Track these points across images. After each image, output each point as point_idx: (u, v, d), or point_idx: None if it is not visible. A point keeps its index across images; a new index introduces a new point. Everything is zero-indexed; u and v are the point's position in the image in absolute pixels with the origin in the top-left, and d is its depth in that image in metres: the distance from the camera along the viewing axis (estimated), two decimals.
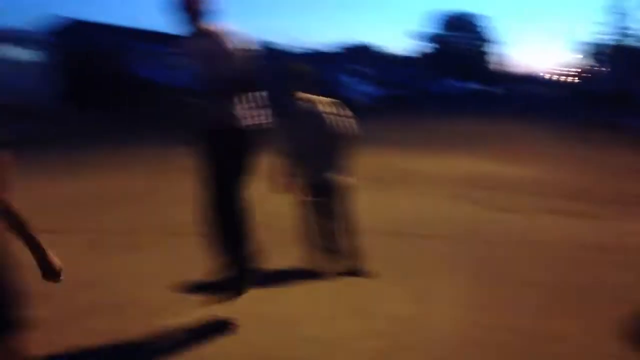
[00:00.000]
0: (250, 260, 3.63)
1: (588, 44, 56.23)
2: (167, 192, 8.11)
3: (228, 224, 3.53)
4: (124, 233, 5.88)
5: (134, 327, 3.62)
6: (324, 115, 4.50)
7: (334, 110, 4.54)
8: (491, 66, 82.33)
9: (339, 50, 57.50)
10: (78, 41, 29.53)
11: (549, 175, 9.48)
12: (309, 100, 4.51)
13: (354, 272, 4.56)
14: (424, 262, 4.93)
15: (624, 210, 6.87)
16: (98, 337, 3.48)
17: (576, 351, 3.31)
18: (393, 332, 3.53)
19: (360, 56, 53.93)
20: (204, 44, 3.43)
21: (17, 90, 21.67)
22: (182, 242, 5.51)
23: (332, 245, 4.71)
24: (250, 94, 3.50)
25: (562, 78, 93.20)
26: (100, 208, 7.04)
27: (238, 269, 3.61)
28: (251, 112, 3.49)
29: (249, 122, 3.46)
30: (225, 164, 3.48)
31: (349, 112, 4.59)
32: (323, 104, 4.54)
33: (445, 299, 4.08)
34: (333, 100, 4.60)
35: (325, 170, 4.56)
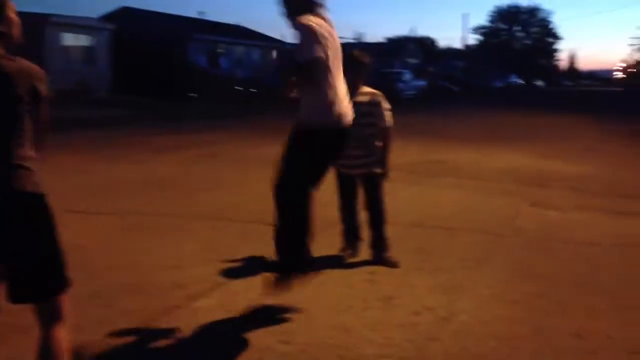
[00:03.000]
0: (300, 254, 3.51)
1: None
2: (202, 178, 8.26)
3: (286, 211, 3.41)
4: (160, 215, 6.02)
5: (168, 308, 3.72)
6: (372, 108, 4.50)
7: (377, 101, 4.54)
8: (546, 61, 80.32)
9: (387, 41, 57.27)
10: (133, 28, 30.12)
11: (596, 172, 9.17)
12: (364, 93, 4.53)
13: (384, 263, 4.55)
14: (454, 254, 4.86)
15: None
16: (133, 317, 3.58)
17: (598, 348, 3.23)
18: (422, 323, 3.51)
19: (409, 48, 53.43)
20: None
21: (72, 75, 22.31)
22: (217, 226, 5.61)
23: (360, 234, 4.74)
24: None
25: (622, 74, 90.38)
26: (136, 192, 7.24)
27: (287, 257, 3.52)
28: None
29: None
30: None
31: (388, 105, 4.57)
32: (369, 95, 4.54)
33: (473, 293, 4.03)
34: (376, 91, 4.61)
35: (361, 160, 4.55)
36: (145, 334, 3.35)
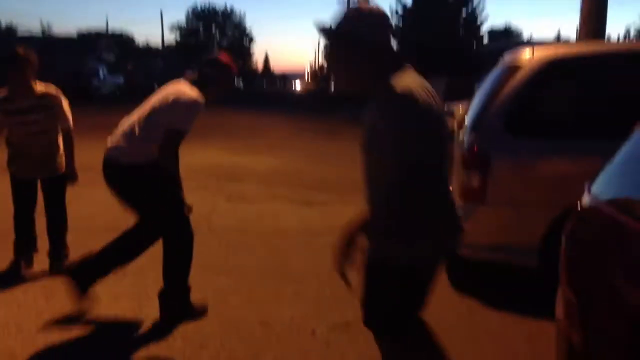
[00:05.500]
0: None
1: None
2: None
3: None
4: None
5: None
6: (49, 107, 4.14)
7: (56, 101, 4.17)
8: (243, 63, 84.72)
9: (79, 35, 54.21)
10: None
11: (288, 166, 9.87)
12: (40, 91, 4.12)
13: (66, 272, 4.16)
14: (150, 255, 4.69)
15: (355, 198, 7.42)
16: None
17: (281, 333, 3.41)
18: (111, 333, 3.28)
19: (104, 43, 51.19)
20: None
21: None
22: None
23: (36, 244, 4.44)
24: None
25: (310, 77, 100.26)
26: None
27: None
28: None
29: None
30: None
31: (67, 104, 4.22)
32: (46, 93, 4.14)
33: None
34: (54, 90, 4.21)
35: (42, 162, 4.14)
36: None
